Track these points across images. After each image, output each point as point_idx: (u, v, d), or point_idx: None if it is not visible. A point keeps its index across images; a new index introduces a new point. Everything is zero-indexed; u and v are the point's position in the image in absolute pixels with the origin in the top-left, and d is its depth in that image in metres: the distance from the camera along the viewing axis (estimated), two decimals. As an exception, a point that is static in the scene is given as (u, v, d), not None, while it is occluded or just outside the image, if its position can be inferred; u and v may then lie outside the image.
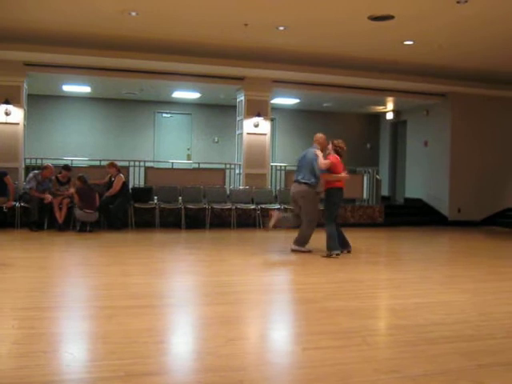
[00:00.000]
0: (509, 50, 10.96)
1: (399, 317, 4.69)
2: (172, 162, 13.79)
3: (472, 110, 14.28)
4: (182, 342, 4.04)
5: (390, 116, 16.96)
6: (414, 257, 8.98)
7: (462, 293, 5.89)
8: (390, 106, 16.23)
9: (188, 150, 16.24)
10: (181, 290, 5.95)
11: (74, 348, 3.73)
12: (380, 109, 16.74)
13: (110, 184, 11.13)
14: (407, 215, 14.48)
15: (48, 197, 10.48)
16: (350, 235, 8.83)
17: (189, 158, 15.95)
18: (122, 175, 11.22)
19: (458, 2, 8.18)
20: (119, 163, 11.64)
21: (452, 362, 3.55)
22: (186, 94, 14.68)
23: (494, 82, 13.57)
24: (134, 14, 9.08)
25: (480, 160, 14.33)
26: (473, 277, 6.98)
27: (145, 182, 12.51)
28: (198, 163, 14.14)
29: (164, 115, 16.25)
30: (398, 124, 17.02)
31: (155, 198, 11.95)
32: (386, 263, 7.92)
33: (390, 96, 14.48)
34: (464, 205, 14.30)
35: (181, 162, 14.68)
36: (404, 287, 6.22)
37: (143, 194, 11.82)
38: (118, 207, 10.98)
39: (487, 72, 12.96)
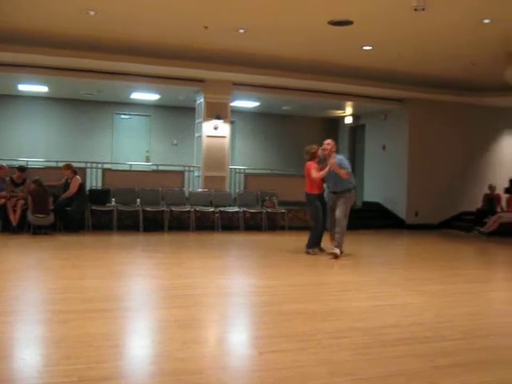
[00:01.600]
0: (463, 59, 11.19)
1: (356, 319, 4.72)
2: (130, 164, 13.65)
3: (429, 116, 14.53)
4: (138, 345, 3.98)
5: (348, 120, 17.11)
6: (373, 260, 9.06)
7: (420, 295, 5.96)
8: (348, 110, 16.38)
9: (147, 151, 16.10)
10: (138, 293, 5.88)
11: (27, 353, 3.63)
12: (339, 113, 16.88)
13: (66, 186, 10.94)
14: (365, 219, 14.60)
15: (2, 194, 10.27)
16: (309, 238, 8.88)
17: (147, 159, 15.80)
18: (78, 177, 11.04)
19: (415, 10, 8.30)
20: (76, 165, 11.46)
21: (407, 363, 3.58)
22: (145, 95, 14.54)
23: (450, 89, 13.82)
24: (92, 13, 8.96)
25: (437, 164, 14.58)
26: (430, 279, 7.07)
27: (102, 184, 12.33)
28: (157, 165, 14.04)
29: (123, 116, 16.08)
30: (357, 128, 17.19)
31: (113, 200, 11.79)
32: (345, 266, 7.97)
33: (349, 100, 14.64)
34: (421, 208, 14.53)
35: (139, 164, 14.56)
36: (362, 290, 6.26)
37: (100, 196, 11.67)
38: (75, 209, 10.81)
39: (444, 79, 13.21)
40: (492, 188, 13.88)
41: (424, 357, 3.71)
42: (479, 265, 9.28)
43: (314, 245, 8.93)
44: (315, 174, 8.75)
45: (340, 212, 8.52)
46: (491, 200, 13.67)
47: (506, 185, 14.10)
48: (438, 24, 9.07)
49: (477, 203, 14.11)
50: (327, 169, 8.54)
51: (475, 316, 5.07)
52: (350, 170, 8.64)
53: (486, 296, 6.26)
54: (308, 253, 8.80)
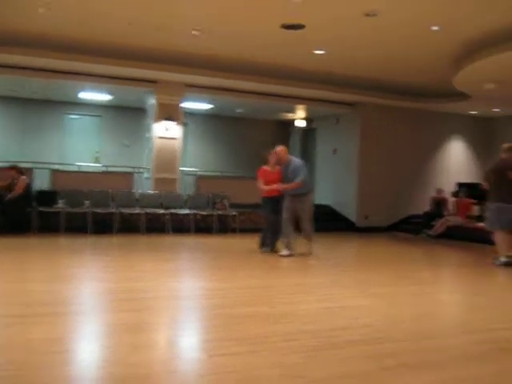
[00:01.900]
0: (415, 64, 11.41)
1: (307, 322, 4.74)
2: (79, 165, 13.42)
3: (380, 120, 14.76)
4: (86, 350, 3.90)
5: (300, 123, 17.22)
6: (324, 262, 9.13)
7: (369, 297, 6.03)
8: (301, 113, 16.49)
9: (97, 152, 15.86)
10: (86, 296, 5.77)
11: (-33, 359, 3.52)
12: (291, 116, 16.98)
13: (12, 186, 10.68)
14: (316, 221, 14.67)
15: None
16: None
17: (97, 160, 15.56)
18: (24, 177, 10.80)
19: (366, 15, 8.43)
20: (23, 165, 11.19)
21: (357, 365, 3.61)
22: (95, 95, 14.32)
23: (400, 94, 14.07)
24: (42, 10, 8.76)
25: (386, 168, 14.82)
26: (380, 281, 7.17)
27: (50, 185, 12.08)
28: (107, 166, 13.84)
29: (72, 117, 15.81)
30: (309, 131, 17.33)
31: (61, 201, 11.54)
32: (297, 268, 8.02)
33: (301, 104, 14.73)
34: (371, 211, 14.74)
35: (89, 165, 14.32)
36: (313, 292, 6.30)
37: (48, 197, 11.42)
38: (21, 210, 10.55)
39: (394, 84, 13.43)
40: (439, 191, 14.19)
41: (373, 358, 3.75)
42: (427, 267, 9.47)
43: (270, 244, 9.23)
44: (259, 183, 9.21)
45: (306, 215, 9.19)
46: (439, 203, 13.97)
47: (454, 188, 14.44)
48: (388, 30, 9.22)
49: (425, 206, 14.39)
50: (268, 188, 9.06)
51: (422, 317, 5.16)
52: (300, 178, 8.93)
53: (433, 297, 6.38)
54: (263, 252, 9.19)
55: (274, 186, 8.98)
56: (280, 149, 9.26)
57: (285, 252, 8.87)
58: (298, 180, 8.89)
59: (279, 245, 9.14)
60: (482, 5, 7.90)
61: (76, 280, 6.67)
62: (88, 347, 3.97)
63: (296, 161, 9.31)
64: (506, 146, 9.10)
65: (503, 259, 8.66)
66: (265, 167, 9.37)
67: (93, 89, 13.47)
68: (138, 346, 3.84)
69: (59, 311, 4.89)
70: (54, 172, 12.34)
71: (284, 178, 9.08)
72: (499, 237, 8.78)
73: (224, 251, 9.88)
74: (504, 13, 8.20)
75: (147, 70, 11.71)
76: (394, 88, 13.75)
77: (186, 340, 4.30)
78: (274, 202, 9.10)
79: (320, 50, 10.64)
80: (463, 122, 16.19)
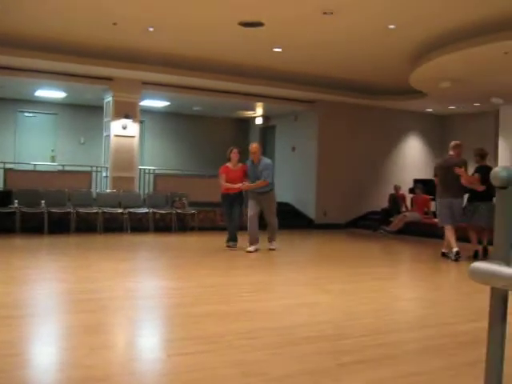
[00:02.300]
0: (372, 62, 11.53)
1: (266, 319, 4.73)
2: (34, 164, 13.17)
3: (338, 118, 14.89)
4: (41, 353, 3.81)
5: (259, 121, 17.25)
6: (282, 259, 9.16)
7: (327, 294, 6.07)
8: (259, 111, 16.51)
9: (52, 151, 15.58)
10: (42, 298, 5.64)
11: None
12: (250, 114, 16.99)
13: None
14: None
15: None
16: (220, 239, 8.86)
17: (53, 159, 15.29)
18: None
19: (324, 13, 8.47)
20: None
21: (315, 362, 3.62)
22: (50, 92, 14.06)
23: (358, 91, 14.21)
24: (-6, 6, 8.57)
25: (345, 165, 14.96)
26: (338, 278, 7.22)
27: (4, 185, 11.82)
28: (63, 165, 13.61)
29: (27, 114, 15.49)
30: (267, 129, 17.36)
31: (15, 201, 11.30)
32: (255, 266, 8.02)
33: (260, 101, 14.75)
34: (330, 208, 14.86)
35: (44, 164, 14.06)
36: (272, 290, 6.31)
37: (2, 197, 11.18)
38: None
39: (352, 81, 13.57)
40: (397, 188, 14.38)
41: (330, 355, 3.77)
42: (384, 262, 9.58)
43: (230, 239, 9.49)
44: (221, 181, 9.48)
45: (270, 212, 9.48)
46: (396, 200, 14.16)
47: (411, 185, 14.66)
48: (345, 28, 9.30)
49: (383, 203, 14.57)
50: (237, 187, 9.35)
51: (379, 313, 5.21)
52: (269, 177, 9.31)
53: (390, 293, 6.45)
54: (228, 246, 9.46)
55: (243, 185, 9.27)
56: (256, 146, 9.51)
57: (251, 248, 9.12)
58: (267, 179, 9.22)
59: (247, 240, 9.25)
60: (437, 4, 8.03)
61: (32, 281, 6.53)
62: (45, 350, 3.88)
63: (266, 160, 9.58)
64: (453, 143, 9.36)
65: (454, 253, 8.82)
66: (227, 165, 9.52)
67: (48, 86, 13.21)
68: (96, 348, 3.77)
69: (15, 314, 4.77)
70: (8, 171, 12.09)
71: (253, 175, 9.33)
72: (449, 232, 8.99)
73: (183, 250, 9.83)
74: (458, 12, 8.36)
75: (103, 68, 11.57)
76: (351, 86, 13.88)
77: (145, 340, 4.25)
78: (232, 199, 9.39)
79: (278, 47, 10.66)
80: (420, 120, 16.47)
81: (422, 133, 16.57)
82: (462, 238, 9.37)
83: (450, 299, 6.08)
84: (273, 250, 9.47)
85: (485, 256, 9.03)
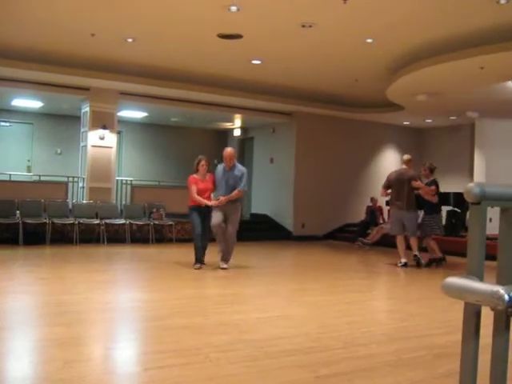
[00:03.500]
0: (350, 75, 11.62)
1: (242, 332, 4.71)
2: (10, 174, 13.01)
3: (315, 130, 14.96)
4: (13, 367, 3.74)
5: (237, 133, 17.27)
6: (261, 271, 9.14)
7: (305, 306, 6.07)
8: (237, 122, 16.53)
9: (28, 161, 15.41)
10: (15, 310, 5.55)
11: None
12: (228, 125, 17.00)
13: None
14: (254, 231, 14.75)
15: None
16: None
17: (29, 169, 15.12)
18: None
19: (303, 26, 8.53)
20: None
21: (292, 374, 3.61)
22: (27, 102, 13.90)
23: (335, 104, 14.30)
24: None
25: (322, 177, 15.02)
26: (315, 290, 7.23)
27: (-22, 195, 11.66)
28: (39, 175, 13.47)
29: (2, 124, 15.30)
30: (246, 141, 17.38)
31: (-10, 212, 11.16)
32: (233, 278, 7.99)
33: (238, 113, 14.77)
34: (308, 220, 14.89)
35: (20, 174, 13.90)
36: (249, 302, 6.29)
37: (-24, 207, 11.02)
38: None
39: (330, 94, 13.66)
40: (374, 200, 14.46)
41: (307, 367, 3.76)
42: (361, 274, 9.60)
43: (196, 259, 8.56)
44: (192, 193, 8.57)
45: (234, 226, 8.46)
46: (373, 212, 14.23)
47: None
48: (324, 41, 9.36)
49: (360, 215, 14.64)
50: (211, 203, 8.45)
51: (356, 325, 5.21)
52: (245, 187, 8.60)
53: (367, 305, 6.48)
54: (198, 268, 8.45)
55: (220, 200, 8.29)
56: (231, 151, 8.83)
57: (225, 265, 8.49)
58: (245, 189, 8.65)
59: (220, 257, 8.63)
60: (414, 20, 8.13)
61: (5, 293, 6.43)
62: (17, 364, 3.81)
63: (240, 167, 8.79)
64: (406, 157, 10.04)
65: (403, 261, 9.60)
66: (195, 176, 8.70)
67: (24, 95, 13.08)
68: (70, 361, 3.72)
69: (-14, 327, 4.70)
70: (-18, 181, 11.92)
71: (224, 182, 8.50)
72: (399, 242, 9.79)
73: (160, 261, 9.77)
74: (435, 28, 8.47)
75: (80, 78, 11.49)
76: (329, 98, 13.97)
77: (120, 353, 4.20)
78: (203, 212, 8.49)
79: (257, 60, 10.70)
80: (397, 132, 16.63)
81: (399, 145, 16.70)
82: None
83: (425, 311, 6.10)
84: (225, 269, 8.43)
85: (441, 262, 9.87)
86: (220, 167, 8.70)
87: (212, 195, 8.74)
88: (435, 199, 9.65)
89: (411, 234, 9.66)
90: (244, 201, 17.05)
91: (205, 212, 8.48)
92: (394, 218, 9.95)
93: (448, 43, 9.00)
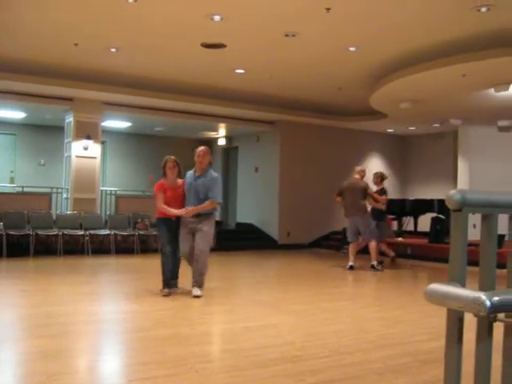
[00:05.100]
0: (333, 84, 11.66)
1: (228, 341, 4.69)
2: (-7, 186, 12.92)
3: (299, 138, 14.99)
4: (-4, 381, 3.71)
5: (221, 142, 17.25)
6: (246, 281, 9.12)
7: (291, 314, 6.05)
8: (222, 131, 16.51)
9: (11, 172, 15.29)
10: (-2, 323, 5.50)
11: None
12: (212, 134, 16.97)
13: None
14: (239, 240, 14.73)
15: None
16: (183, 261, 8.75)
17: (12, 181, 15.00)
18: None
19: (286, 36, 8.56)
20: None
21: (278, 383, 3.59)
22: (9, 113, 13.80)
23: (319, 112, 14.35)
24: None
25: (307, 185, 15.03)
26: (301, 298, 7.22)
27: (-39, 207, 11.54)
28: (22, 187, 13.35)
29: (-16, 135, 15.19)
30: (230, 150, 17.37)
31: (-28, 224, 11.05)
32: (218, 288, 7.95)
33: (222, 122, 14.77)
34: (293, 229, 14.89)
35: (3, 186, 13.79)
36: (235, 311, 6.26)
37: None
38: None
39: (313, 102, 13.70)
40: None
41: (293, 376, 3.75)
42: (346, 282, 9.62)
43: (164, 283, 7.07)
44: (157, 201, 7.15)
45: (205, 242, 6.98)
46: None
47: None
48: (307, 50, 9.40)
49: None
50: (177, 212, 6.99)
51: (342, 333, 5.22)
52: (218, 197, 7.14)
53: (353, 312, 6.47)
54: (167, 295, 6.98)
55: (187, 210, 6.91)
56: (204, 149, 7.31)
57: (198, 292, 6.95)
58: (217, 200, 7.14)
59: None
60: (396, 28, 8.19)
61: (-12, 306, 6.37)
62: (0, 378, 3.76)
63: (213, 173, 7.25)
64: (359, 168, 10.98)
65: (350, 264, 10.56)
66: (163, 181, 7.28)
67: (7, 106, 12.98)
68: (54, 374, 3.68)
69: (-32, 340, 4.64)
70: (-35, 193, 11.80)
71: (193, 190, 7.05)
72: (352, 248, 10.72)
73: (144, 272, 9.71)
74: (417, 36, 8.54)
75: (64, 88, 11.41)
76: (313, 106, 14.02)
77: (105, 365, 4.16)
78: (173, 225, 7.10)
79: (240, 69, 10.71)
80: (381, 140, 16.71)
81: (383, 153, 16.79)
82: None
83: (411, 318, 6.12)
84: (198, 297, 6.86)
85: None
86: (189, 173, 7.28)
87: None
88: (385, 207, 10.81)
89: (366, 236, 10.62)
90: (228, 210, 17.07)
91: (177, 224, 7.09)
92: (349, 224, 10.84)
93: (430, 51, 9.07)
